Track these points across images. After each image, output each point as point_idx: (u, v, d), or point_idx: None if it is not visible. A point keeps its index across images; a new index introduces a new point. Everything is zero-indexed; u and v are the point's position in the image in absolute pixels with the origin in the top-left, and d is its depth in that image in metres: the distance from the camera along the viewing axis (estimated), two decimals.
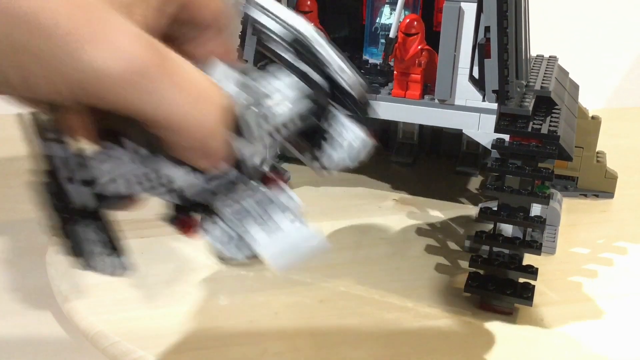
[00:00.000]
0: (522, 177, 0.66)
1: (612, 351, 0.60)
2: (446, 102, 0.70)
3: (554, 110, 0.71)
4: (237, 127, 0.36)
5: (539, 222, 0.63)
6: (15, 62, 0.30)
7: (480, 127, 0.69)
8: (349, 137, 0.40)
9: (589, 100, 1.18)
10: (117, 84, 0.31)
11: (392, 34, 0.69)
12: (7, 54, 0.30)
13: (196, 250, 0.74)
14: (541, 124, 0.67)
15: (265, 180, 0.40)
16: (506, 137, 0.68)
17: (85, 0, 0.31)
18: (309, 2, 0.78)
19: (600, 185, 0.88)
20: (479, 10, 0.65)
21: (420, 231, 0.79)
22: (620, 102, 1.30)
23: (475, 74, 0.68)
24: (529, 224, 0.64)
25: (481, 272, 0.65)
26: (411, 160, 0.96)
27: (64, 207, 0.36)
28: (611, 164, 0.91)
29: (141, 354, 0.58)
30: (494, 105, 0.68)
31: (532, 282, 0.64)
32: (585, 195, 0.89)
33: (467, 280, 0.65)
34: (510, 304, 0.64)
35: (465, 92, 0.69)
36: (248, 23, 0.74)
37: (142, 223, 0.79)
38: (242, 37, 0.75)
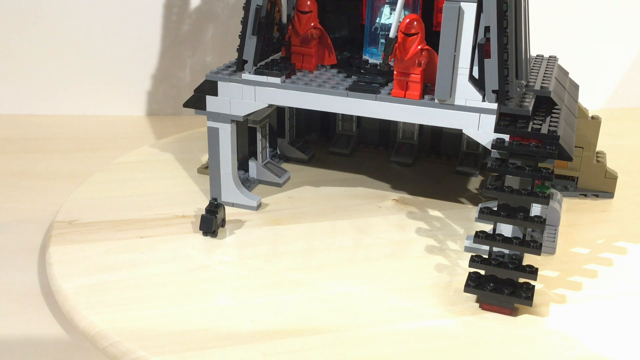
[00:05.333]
0: (522, 177, 0.66)
1: (612, 351, 0.60)
2: (446, 102, 0.70)
3: (554, 110, 0.71)
4: None
5: (539, 222, 0.63)
6: None
7: (480, 127, 0.69)
8: None
9: (589, 100, 1.19)
10: None
11: (392, 34, 0.69)
12: None
13: (196, 250, 0.74)
14: (541, 124, 0.67)
15: None
16: (506, 137, 0.68)
17: None
18: (309, 2, 0.78)
19: (600, 185, 0.88)
20: (479, 10, 0.66)
21: (420, 231, 0.79)
22: (620, 102, 1.30)
23: (475, 74, 0.69)
24: (529, 224, 0.64)
25: (481, 272, 0.65)
26: (411, 160, 0.96)
27: None
28: (611, 164, 0.91)
29: (141, 354, 0.58)
30: (494, 105, 0.68)
31: (532, 282, 0.64)
32: (585, 195, 0.89)
33: (467, 280, 0.65)
34: (510, 304, 0.64)
35: (465, 92, 0.69)
36: (248, 22, 0.74)
37: (142, 223, 0.79)
38: (242, 37, 0.75)
